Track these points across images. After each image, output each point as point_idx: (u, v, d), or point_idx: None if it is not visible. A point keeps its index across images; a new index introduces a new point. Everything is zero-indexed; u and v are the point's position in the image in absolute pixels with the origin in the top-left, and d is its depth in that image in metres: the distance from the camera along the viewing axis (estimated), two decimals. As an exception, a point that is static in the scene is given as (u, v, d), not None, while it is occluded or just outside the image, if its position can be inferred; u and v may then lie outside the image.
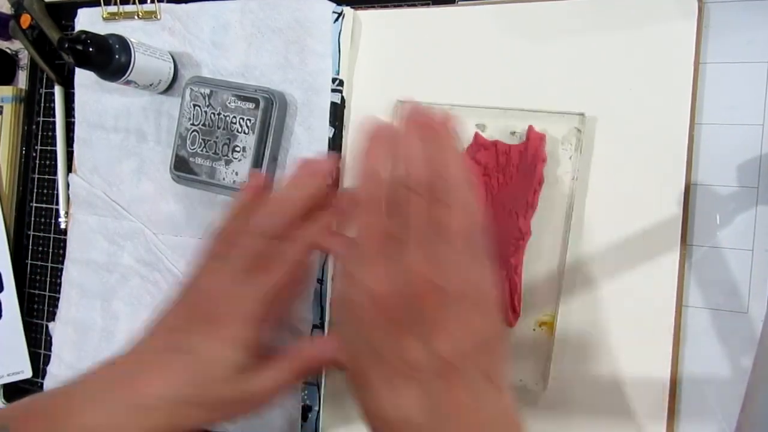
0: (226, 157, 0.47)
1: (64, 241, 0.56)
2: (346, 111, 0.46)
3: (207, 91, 0.47)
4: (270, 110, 0.45)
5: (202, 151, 0.47)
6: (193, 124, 0.48)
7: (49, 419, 0.31)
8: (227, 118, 0.46)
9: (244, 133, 0.46)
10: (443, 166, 0.30)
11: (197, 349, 0.32)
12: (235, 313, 0.33)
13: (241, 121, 0.46)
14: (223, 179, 0.47)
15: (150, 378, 0.31)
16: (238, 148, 0.46)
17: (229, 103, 0.46)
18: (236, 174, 0.46)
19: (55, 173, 0.58)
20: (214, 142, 0.47)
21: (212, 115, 0.47)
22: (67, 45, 0.43)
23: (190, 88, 0.48)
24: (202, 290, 0.35)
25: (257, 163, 0.46)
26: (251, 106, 0.45)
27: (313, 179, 0.37)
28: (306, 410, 0.45)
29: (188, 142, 0.48)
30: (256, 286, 0.34)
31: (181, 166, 0.48)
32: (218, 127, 0.47)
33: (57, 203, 0.58)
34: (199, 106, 0.47)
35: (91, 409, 0.31)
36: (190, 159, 0.48)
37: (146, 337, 0.34)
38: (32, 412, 0.32)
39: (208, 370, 0.32)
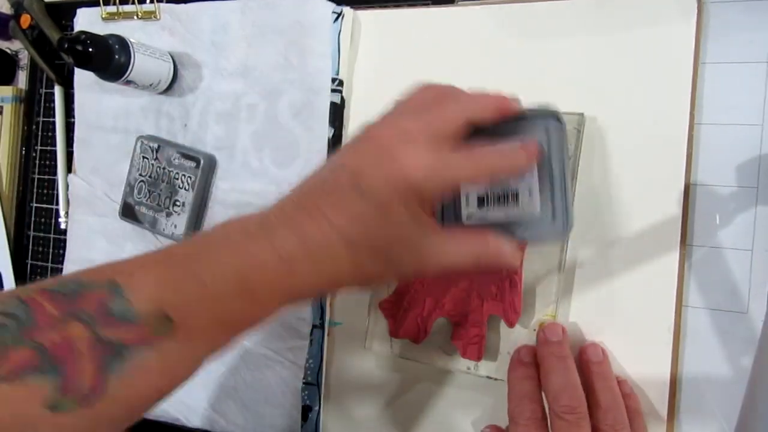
0: (167, 210, 0.49)
1: (64, 241, 0.56)
2: (346, 111, 0.46)
3: (155, 145, 0.50)
4: (209, 170, 0.49)
5: (146, 201, 0.50)
6: (141, 175, 0.51)
7: (194, 260, 0.28)
8: (171, 173, 0.49)
9: (185, 189, 0.48)
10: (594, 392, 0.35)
11: (380, 195, 0.29)
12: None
13: (183, 177, 0.48)
14: (164, 230, 0.50)
15: (333, 214, 0.29)
16: (178, 203, 0.49)
17: (174, 159, 0.49)
18: (175, 227, 0.49)
19: (55, 173, 0.58)
20: (158, 193, 0.50)
21: (158, 169, 0.50)
22: (66, 45, 0.43)
23: (141, 141, 0.51)
24: (358, 134, 0.32)
25: (194, 219, 0.49)
26: (193, 164, 0.48)
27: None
28: (306, 410, 0.45)
29: (135, 190, 0.51)
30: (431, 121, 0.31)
31: (128, 213, 0.52)
32: (162, 181, 0.50)
33: (57, 203, 0.58)
34: (147, 159, 0.50)
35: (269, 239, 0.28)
36: (136, 207, 0.51)
37: (326, 172, 0.31)
38: (158, 261, 0.29)
39: (394, 223, 0.29)
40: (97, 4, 0.54)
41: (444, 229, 0.32)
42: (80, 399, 0.24)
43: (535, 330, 0.40)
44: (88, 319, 0.25)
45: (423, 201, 0.30)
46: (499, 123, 0.33)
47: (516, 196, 0.34)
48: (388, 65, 0.45)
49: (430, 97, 0.33)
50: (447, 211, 0.35)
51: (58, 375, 0.24)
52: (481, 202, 0.34)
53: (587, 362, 0.37)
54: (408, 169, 0.29)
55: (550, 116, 0.34)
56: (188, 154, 0.49)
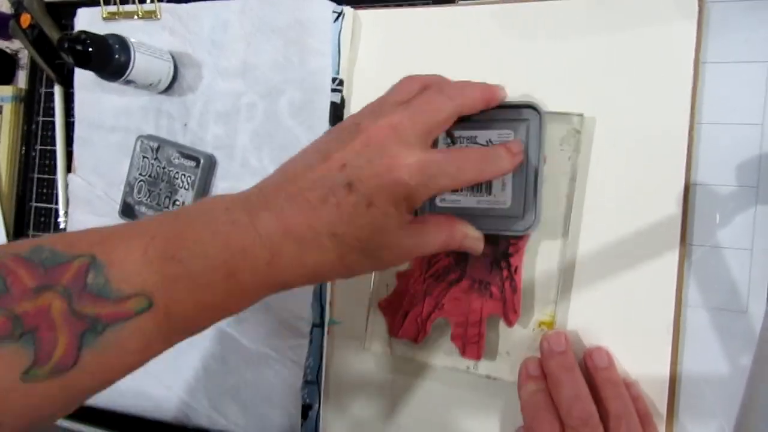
0: (167, 209, 0.49)
1: (64, 240, 0.56)
2: (346, 111, 0.46)
3: (155, 145, 0.50)
4: (209, 170, 0.49)
5: (146, 200, 0.50)
6: (141, 174, 0.51)
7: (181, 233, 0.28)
8: (171, 172, 0.49)
9: (185, 188, 0.49)
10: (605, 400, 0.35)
11: (369, 192, 0.29)
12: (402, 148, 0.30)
13: (182, 177, 0.49)
14: None
15: (321, 206, 0.29)
16: (178, 202, 0.49)
17: (174, 158, 0.49)
18: None
19: (54, 173, 0.58)
20: (158, 193, 0.50)
21: (158, 168, 0.50)
22: (66, 45, 0.43)
23: (141, 140, 0.51)
24: (344, 123, 0.32)
25: None
26: (192, 164, 0.48)
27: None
28: (306, 409, 0.45)
29: (135, 190, 0.51)
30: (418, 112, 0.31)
31: (127, 212, 0.52)
32: (162, 180, 0.50)
33: (57, 203, 0.58)
34: (147, 158, 0.50)
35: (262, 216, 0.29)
36: (135, 207, 0.51)
37: (311, 163, 0.31)
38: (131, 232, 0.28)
39: (380, 220, 0.30)
40: (97, 4, 0.54)
41: (417, 218, 0.32)
42: (53, 369, 0.24)
43: (534, 330, 0.40)
44: (64, 291, 0.25)
45: (408, 201, 0.30)
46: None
47: (489, 186, 0.35)
48: (389, 65, 0.45)
49: (417, 90, 0.33)
50: None
51: (32, 345, 0.24)
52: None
53: (594, 368, 0.37)
54: (399, 172, 0.29)
55: (530, 108, 0.35)
56: (188, 154, 0.49)
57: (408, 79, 0.34)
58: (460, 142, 0.36)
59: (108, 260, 0.26)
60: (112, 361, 0.26)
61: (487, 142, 0.36)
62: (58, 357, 0.24)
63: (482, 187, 0.36)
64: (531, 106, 0.36)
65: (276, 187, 0.30)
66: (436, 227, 0.33)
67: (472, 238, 0.34)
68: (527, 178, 0.35)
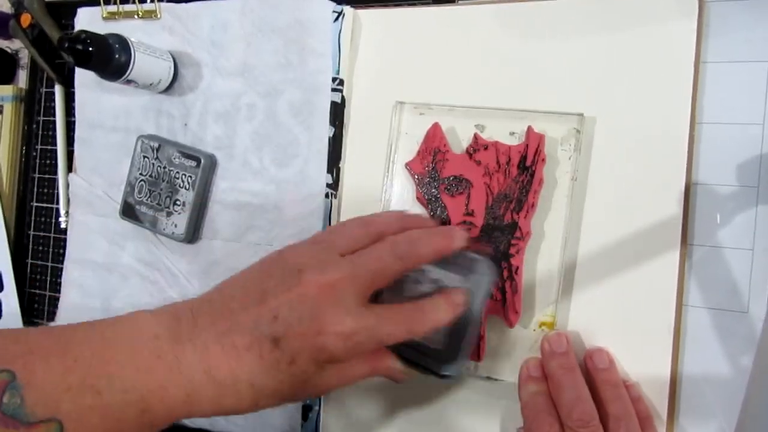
0: (167, 209, 0.49)
1: (64, 240, 0.56)
2: (346, 111, 0.46)
3: (156, 144, 0.50)
4: (209, 169, 0.49)
5: (147, 200, 0.50)
6: (141, 174, 0.51)
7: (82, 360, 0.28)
8: (171, 172, 0.49)
9: (185, 188, 0.49)
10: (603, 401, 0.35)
11: (294, 353, 0.30)
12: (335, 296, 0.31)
13: (183, 176, 0.49)
14: (164, 229, 0.50)
15: (245, 354, 0.30)
16: (178, 202, 0.49)
17: (174, 158, 0.49)
18: (175, 226, 0.49)
19: (55, 173, 0.58)
20: (158, 193, 0.50)
21: (159, 168, 0.50)
22: (67, 44, 0.43)
23: (142, 140, 0.51)
24: (288, 263, 0.32)
25: (194, 218, 0.49)
26: (193, 164, 0.48)
27: (447, 245, 0.34)
28: (306, 410, 0.45)
29: (136, 190, 0.51)
30: (352, 265, 0.32)
31: (128, 212, 0.52)
32: (163, 180, 0.50)
33: (57, 203, 0.58)
34: (148, 158, 0.50)
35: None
36: (136, 206, 0.51)
37: (231, 303, 0.31)
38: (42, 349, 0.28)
39: (299, 376, 0.31)
40: (97, 4, 0.54)
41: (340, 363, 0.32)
42: None
43: (535, 330, 0.40)
44: None
45: (331, 361, 0.31)
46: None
47: None
48: (389, 65, 0.45)
49: (363, 237, 0.34)
50: None
51: None
52: None
53: (594, 369, 0.37)
54: (325, 338, 0.30)
55: (483, 260, 0.35)
56: (189, 154, 0.49)
57: (360, 224, 0.35)
58: (410, 278, 0.36)
59: (26, 381, 0.26)
60: None
61: (433, 280, 0.35)
62: None
63: None
64: (485, 260, 0.35)
65: (209, 318, 0.31)
66: (360, 363, 0.34)
67: (395, 370, 0.35)
68: (467, 327, 0.35)
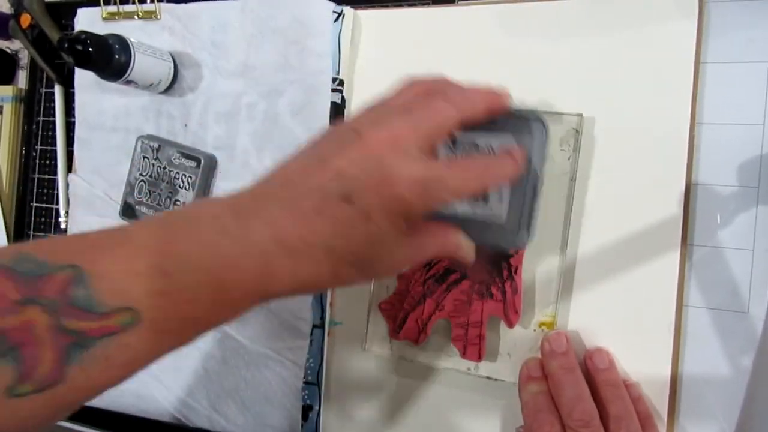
0: (168, 209, 0.49)
1: (65, 241, 0.56)
2: (346, 110, 0.46)
3: (156, 145, 0.50)
4: (209, 170, 0.49)
5: (147, 200, 0.51)
6: (141, 174, 0.51)
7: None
8: (171, 172, 0.49)
9: (185, 189, 0.49)
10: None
11: (368, 207, 0.28)
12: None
13: (183, 177, 0.49)
14: None
15: (316, 217, 0.28)
16: (179, 202, 0.49)
17: (174, 159, 0.49)
18: None
19: (55, 173, 0.58)
20: (158, 193, 0.50)
21: (158, 169, 0.50)
22: (66, 45, 0.43)
23: (142, 141, 0.51)
24: (343, 127, 0.31)
25: None
26: (193, 164, 0.48)
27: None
28: (306, 410, 0.45)
29: (136, 190, 0.51)
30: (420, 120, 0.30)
31: (128, 213, 0.52)
32: (163, 180, 0.50)
33: (57, 203, 0.58)
34: (148, 158, 0.50)
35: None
36: (136, 207, 0.51)
37: (305, 169, 0.29)
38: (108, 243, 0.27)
39: (376, 235, 0.29)
40: (97, 4, 0.54)
41: (411, 227, 0.31)
42: (38, 385, 0.24)
43: (535, 330, 0.40)
44: (49, 305, 0.24)
45: (406, 215, 0.29)
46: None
47: (486, 197, 0.34)
48: (389, 65, 0.45)
49: (420, 95, 0.32)
50: None
51: (17, 361, 0.23)
52: None
53: (594, 369, 0.37)
54: (398, 187, 0.28)
55: (535, 119, 0.34)
56: (189, 154, 0.49)
57: (410, 82, 0.33)
58: (462, 146, 0.35)
59: (93, 272, 0.25)
60: (97, 375, 0.25)
61: (487, 147, 0.35)
62: (42, 374, 0.24)
63: (479, 196, 0.36)
64: (538, 118, 0.34)
65: (269, 191, 0.29)
66: (429, 237, 0.32)
67: (464, 248, 0.33)
68: (526, 193, 0.34)
